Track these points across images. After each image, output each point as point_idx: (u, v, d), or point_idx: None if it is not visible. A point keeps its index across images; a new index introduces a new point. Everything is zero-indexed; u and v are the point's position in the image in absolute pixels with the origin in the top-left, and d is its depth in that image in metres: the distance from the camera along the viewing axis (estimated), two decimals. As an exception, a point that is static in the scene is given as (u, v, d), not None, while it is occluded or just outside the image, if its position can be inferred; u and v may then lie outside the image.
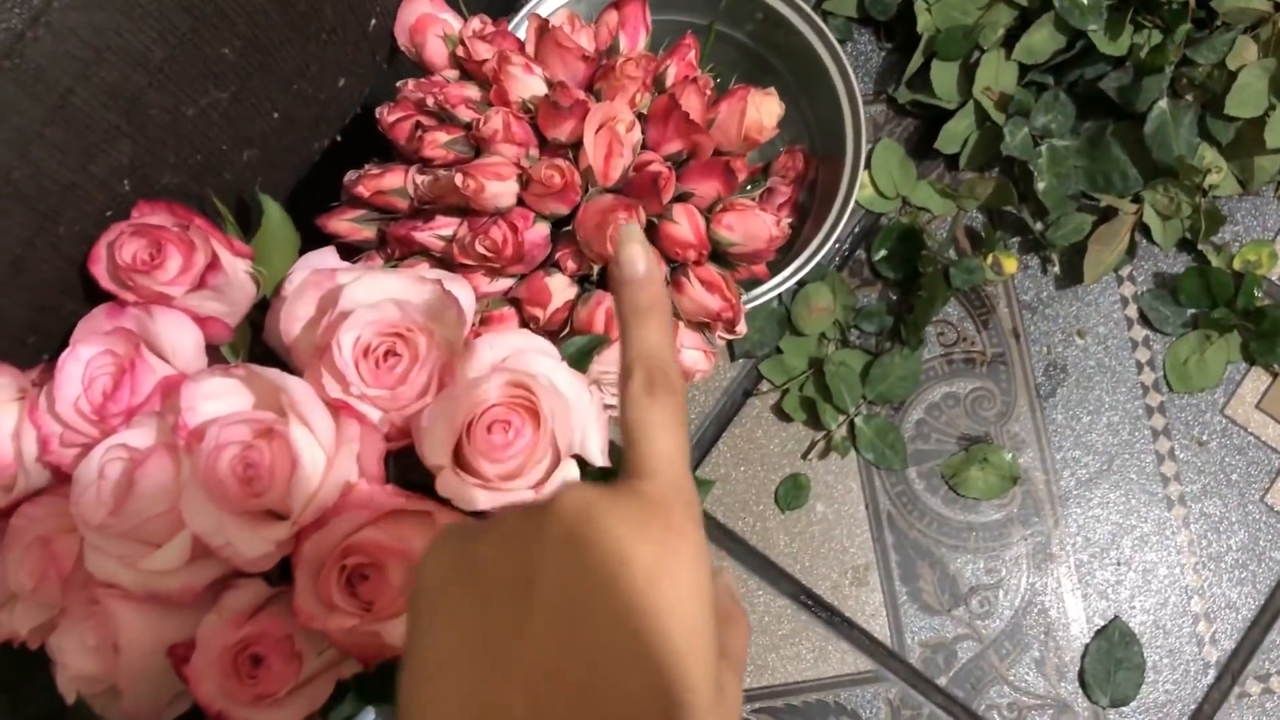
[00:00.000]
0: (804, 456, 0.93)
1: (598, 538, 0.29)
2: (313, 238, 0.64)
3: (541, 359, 0.48)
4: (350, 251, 0.65)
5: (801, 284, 0.92)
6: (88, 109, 0.47)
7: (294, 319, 0.49)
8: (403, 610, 0.44)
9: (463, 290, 0.51)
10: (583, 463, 0.49)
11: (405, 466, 0.48)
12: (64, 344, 0.51)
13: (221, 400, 0.46)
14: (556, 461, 0.47)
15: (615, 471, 0.51)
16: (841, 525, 0.92)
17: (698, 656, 0.29)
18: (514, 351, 0.48)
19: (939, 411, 0.93)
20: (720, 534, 0.91)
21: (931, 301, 0.90)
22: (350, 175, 0.65)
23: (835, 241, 0.83)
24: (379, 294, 0.47)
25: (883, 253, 0.94)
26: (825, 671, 0.90)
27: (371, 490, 0.45)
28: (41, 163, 0.47)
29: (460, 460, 0.47)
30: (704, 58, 0.86)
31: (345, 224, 0.63)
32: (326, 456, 0.45)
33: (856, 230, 0.96)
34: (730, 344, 0.94)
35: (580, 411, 0.48)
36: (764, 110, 0.61)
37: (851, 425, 0.92)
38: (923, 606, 0.90)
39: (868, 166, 0.95)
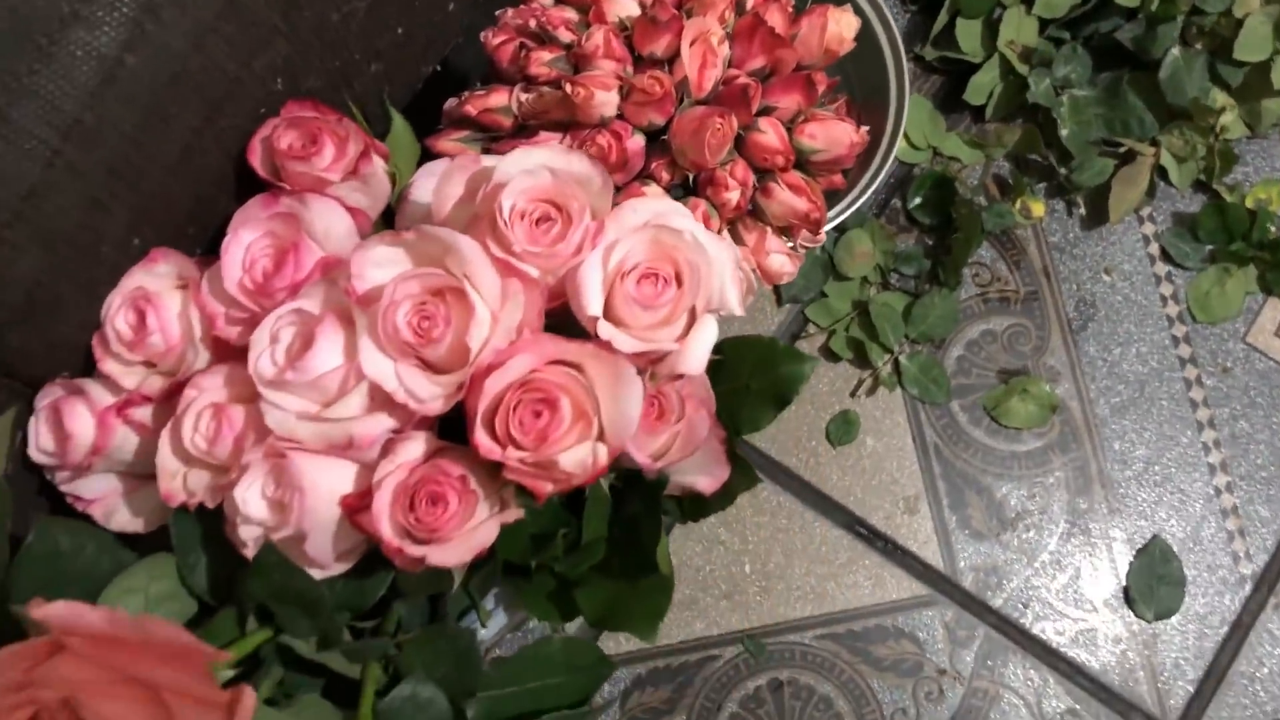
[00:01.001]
0: (852, 394, 0.97)
1: None
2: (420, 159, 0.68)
3: (682, 219, 0.52)
4: (454, 172, 0.69)
5: (842, 231, 0.97)
6: (254, 6, 0.51)
7: (445, 198, 0.53)
8: (573, 443, 0.47)
9: (595, 171, 0.55)
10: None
11: (558, 329, 0.52)
12: (217, 237, 0.55)
13: (388, 268, 0.50)
14: (695, 316, 0.51)
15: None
16: (891, 458, 0.96)
17: None
18: (655, 214, 0.52)
19: (978, 347, 0.98)
20: (775, 470, 0.95)
21: (968, 242, 0.95)
22: (451, 101, 0.69)
23: (874, 191, 0.88)
24: (532, 163, 0.51)
25: (918, 200, 0.99)
26: (882, 598, 0.94)
27: (540, 335, 0.49)
28: (214, 54, 0.50)
29: (610, 313, 0.51)
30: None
31: (452, 144, 0.67)
32: (492, 312, 0.49)
33: (891, 180, 1.01)
34: (777, 290, 0.98)
35: (720, 267, 0.52)
36: (843, 24, 0.66)
37: (896, 363, 0.96)
38: (972, 533, 0.94)
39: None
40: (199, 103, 0.51)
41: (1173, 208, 1.01)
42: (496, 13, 0.69)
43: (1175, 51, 0.96)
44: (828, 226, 0.87)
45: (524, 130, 0.67)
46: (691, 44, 0.64)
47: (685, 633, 0.93)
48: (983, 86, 0.99)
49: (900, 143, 1.00)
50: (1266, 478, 0.95)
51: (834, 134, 0.66)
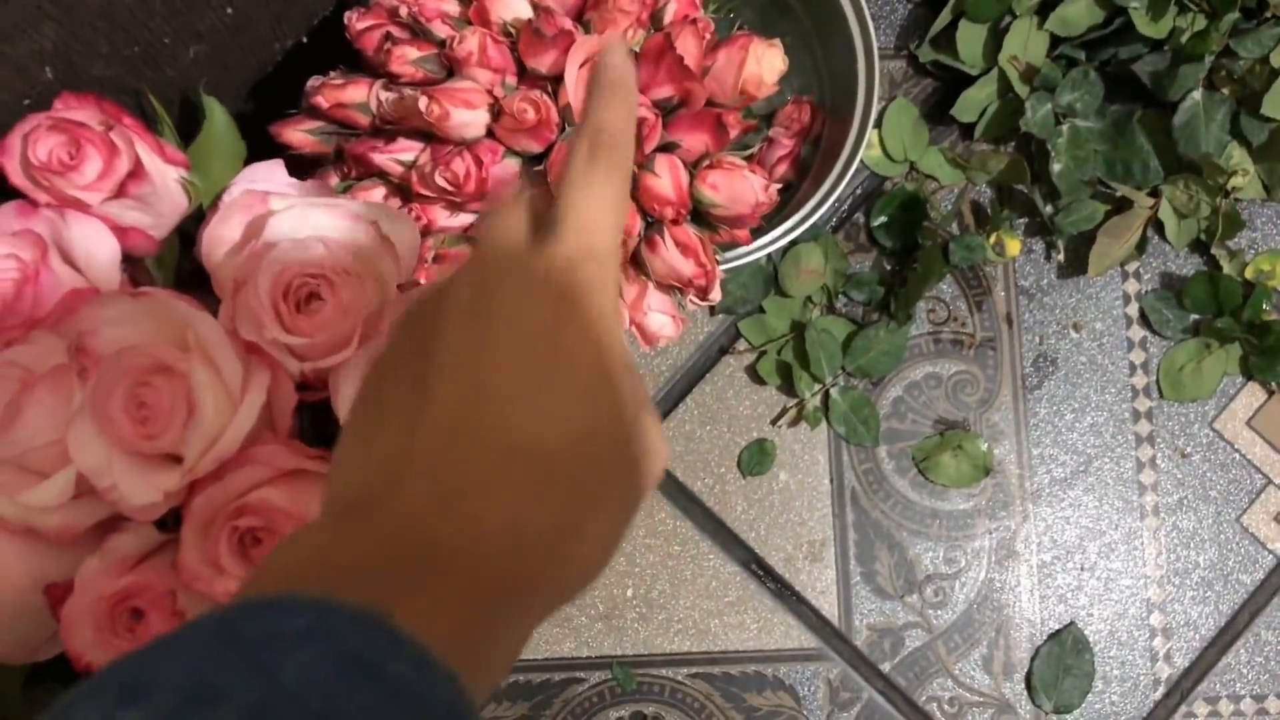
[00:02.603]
0: (773, 422, 0.89)
1: (495, 305, 0.31)
2: (268, 145, 0.59)
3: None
4: (305, 165, 0.60)
5: (793, 243, 0.87)
6: (6, -16, 0.42)
7: (218, 242, 0.45)
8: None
9: (405, 231, 0.47)
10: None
11: (321, 419, 0.44)
12: (-30, 239, 0.47)
13: (127, 326, 0.42)
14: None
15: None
16: (803, 497, 0.88)
17: (602, 400, 0.31)
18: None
19: (919, 391, 0.89)
20: (677, 492, 0.88)
21: (926, 277, 0.85)
22: (313, 81, 0.59)
23: (834, 202, 0.79)
24: (307, 229, 0.43)
25: (882, 219, 0.89)
26: (767, 644, 0.88)
27: (276, 445, 0.41)
28: (-52, 40, 0.42)
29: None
30: (718, -9, 0.81)
31: (300, 135, 0.58)
32: (231, 403, 0.41)
33: (858, 192, 0.91)
34: (711, 296, 0.90)
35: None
36: (765, 63, 0.56)
37: (826, 395, 0.88)
38: (875, 589, 0.87)
39: (878, 125, 0.90)
40: (-71, 96, 0.42)
41: (1163, 266, 0.90)
42: (373, -14, 0.59)
43: (1197, 95, 0.85)
44: (775, 244, 0.78)
45: (383, 132, 0.58)
46: (580, 66, 0.54)
47: (552, 650, 0.87)
48: (975, 103, 0.88)
49: (874, 151, 0.90)
50: (1202, 579, 0.88)
51: (738, 189, 0.57)
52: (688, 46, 0.56)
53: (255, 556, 0.41)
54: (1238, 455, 0.88)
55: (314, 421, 0.46)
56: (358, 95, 0.57)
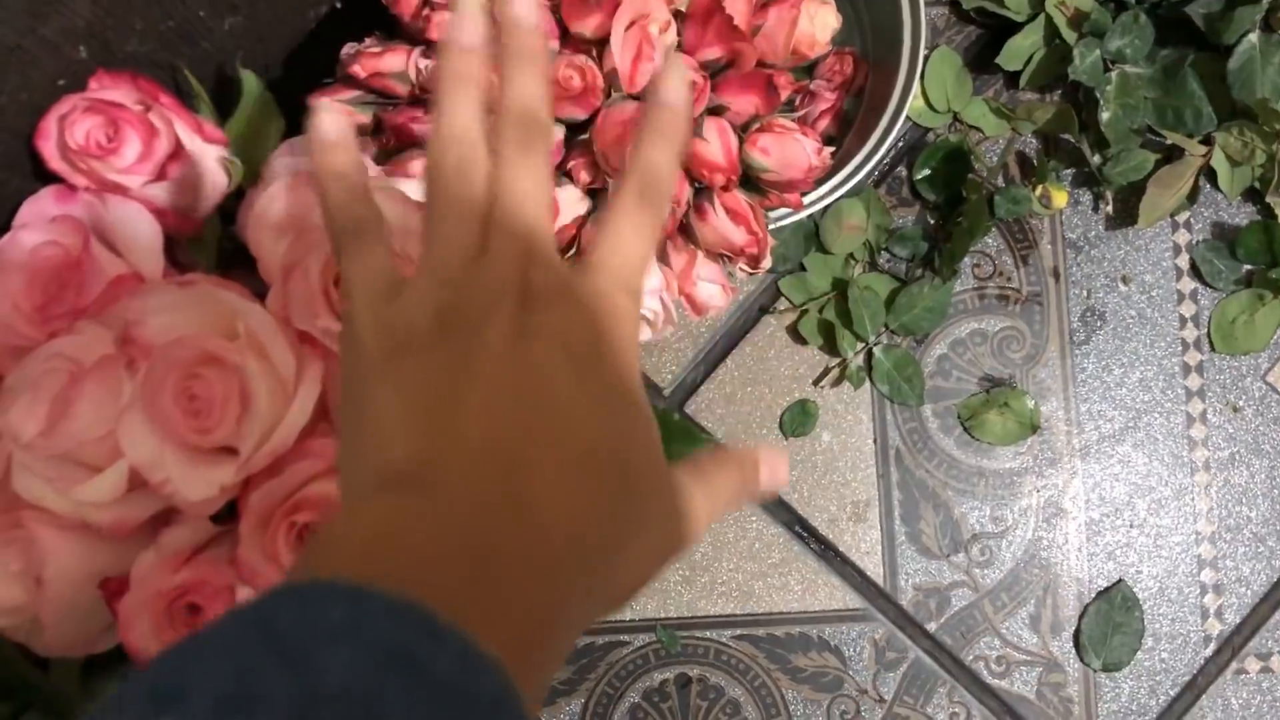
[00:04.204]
0: (815, 383, 0.87)
1: (540, 316, 0.32)
2: (303, 114, 0.57)
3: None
4: (343, 135, 0.59)
5: (834, 198, 0.85)
6: (37, -38, 0.41)
7: (263, 225, 0.43)
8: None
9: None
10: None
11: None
12: (8, 225, 0.46)
13: (175, 315, 0.41)
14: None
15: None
16: (846, 457, 0.87)
17: (631, 421, 0.32)
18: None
19: (964, 348, 0.87)
20: (719, 454, 0.87)
21: (971, 233, 0.83)
22: (348, 48, 0.58)
23: (878, 161, 0.76)
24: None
25: (925, 172, 0.87)
26: (812, 605, 0.87)
27: (332, 438, 0.40)
28: (-20, 22, 0.40)
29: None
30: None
31: (338, 105, 0.57)
32: (285, 394, 0.40)
33: (900, 144, 0.88)
34: (750, 255, 0.88)
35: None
36: (818, 22, 0.54)
37: (869, 354, 0.86)
38: (921, 549, 0.87)
39: (920, 76, 0.87)
40: (-37, 80, 0.41)
41: (1214, 216, 0.88)
42: (409, -50, 0.57)
43: (1253, 38, 0.81)
44: (821, 203, 0.76)
45: (422, 101, 0.56)
46: (627, 29, 0.52)
47: (596, 615, 0.86)
48: (1020, 50, 0.86)
49: (917, 102, 0.88)
50: (1255, 534, 0.86)
51: (790, 153, 0.55)
52: (737, 6, 0.53)
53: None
54: (1291, 409, 0.87)
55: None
56: (395, 64, 0.55)
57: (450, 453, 0.29)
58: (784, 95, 0.55)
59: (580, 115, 0.54)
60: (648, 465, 0.32)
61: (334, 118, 0.36)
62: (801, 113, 0.57)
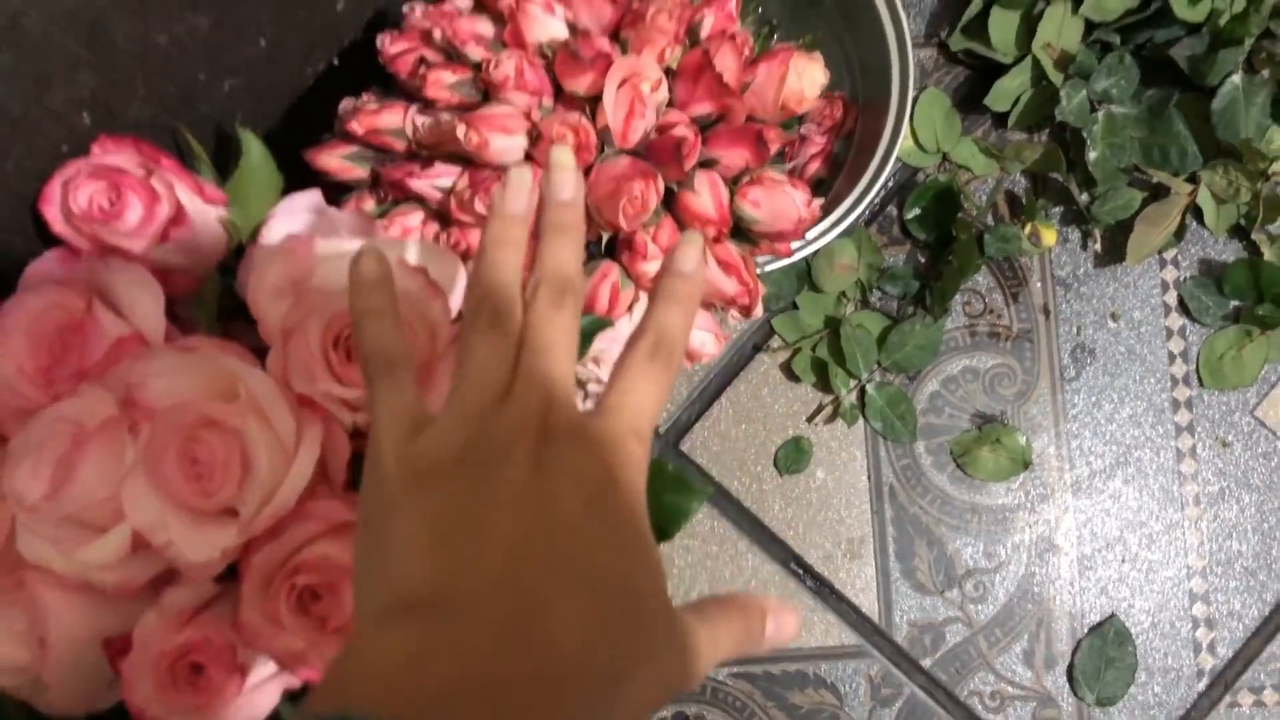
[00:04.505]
0: (809, 420, 0.88)
1: (556, 457, 0.34)
2: (301, 168, 0.58)
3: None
4: (340, 188, 0.60)
5: (826, 238, 0.86)
6: (42, 33, 0.42)
7: (263, 288, 0.44)
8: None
9: (451, 271, 0.46)
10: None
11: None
12: (13, 288, 0.46)
13: (177, 377, 0.42)
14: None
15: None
16: (841, 494, 0.88)
17: (639, 554, 0.34)
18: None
19: (956, 385, 0.88)
20: (715, 492, 0.88)
21: (962, 271, 0.84)
22: (346, 104, 0.59)
23: (869, 203, 0.77)
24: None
25: (916, 211, 0.88)
26: (808, 642, 0.88)
27: (332, 500, 0.41)
28: (-13, 93, 0.41)
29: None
30: (746, -15, 0.80)
31: (335, 160, 0.58)
32: (286, 456, 0.41)
33: (890, 184, 0.90)
34: (744, 294, 0.89)
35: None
36: (806, 78, 0.55)
37: (862, 392, 0.87)
38: (915, 585, 0.87)
39: (909, 116, 0.88)
40: (-33, 148, 0.42)
41: (1201, 253, 0.89)
42: (405, 6, 0.58)
43: (1236, 79, 0.83)
44: (813, 246, 0.77)
45: (419, 156, 0.57)
46: (619, 87, 0.53)
47: (592, 653, 0.87)
48: (1008, 92, 0.87)
49: (907, 142, 0.89)
50: (1246, 568, 0.87)
51: (780, 205, 0.56)
52: (726, 63, 0.55)
53: (315, 612, 0.40)
54: (1280, 443, 0.88)
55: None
56: (393, 120, 0.56)
57: (469, 581, 0.31)
58: (773, 149, 0.56)
59: (574, 170, 0.55)
60: (655, 599, 0.33)
61: (375, 260, 0.39)
62: (790, 165, 0.58)
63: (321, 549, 0.40)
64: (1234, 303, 0.88)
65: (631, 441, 0.36)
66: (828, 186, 0.83)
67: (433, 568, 0.31)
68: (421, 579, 0.31)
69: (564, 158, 0.41)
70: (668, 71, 0.56)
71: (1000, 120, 0.89)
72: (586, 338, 0.53)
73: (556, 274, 0.38)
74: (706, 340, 0.60)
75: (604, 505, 0.34)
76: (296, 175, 0.56)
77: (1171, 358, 0.88)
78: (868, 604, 0.87)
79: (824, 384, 0.88)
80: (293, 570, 0.40)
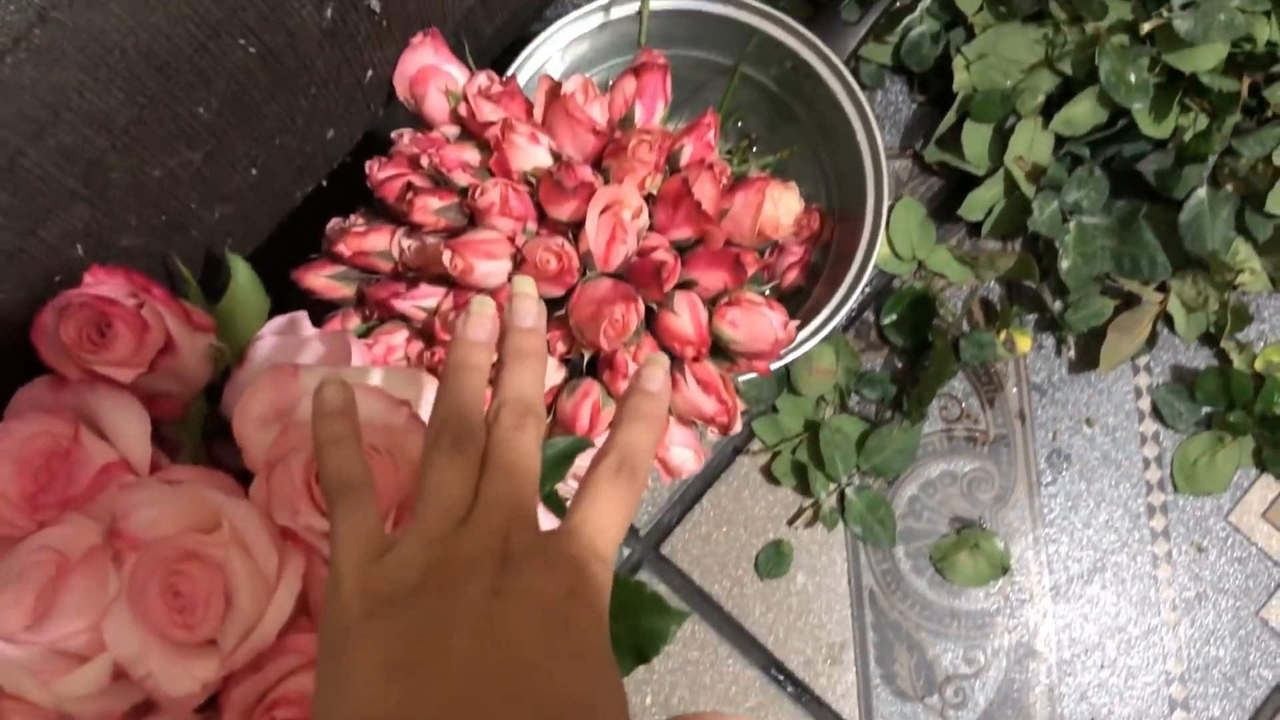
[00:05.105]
0: (790, 523, 0.89)
1: (515, 576, 0.34)
2: (288, 285, 0.59)
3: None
4: (327, 306, 0.61)
5: (804, 343, 0.88)
6: (40, 172, 0.43)
7: (248, 419, 0.45)
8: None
9: (417, 390, 0.47)
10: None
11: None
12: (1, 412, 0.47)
13: (161, 508, 0.42)
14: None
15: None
16: (821, 599, 0.88)
17: (600, 677, 0.34)
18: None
19: (934, 489, 0.89)
20: (695, 596, 0.88)
21: (938, 377, 0.86)
22: (333, 224, 0.60)
23: (847, 311, 0.79)
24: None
25: (892, 317, 0.90)
26: (789, 748, 0.87)
27: (311, 633, 0.41)
28: (-17, 228, 0.42)
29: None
30: (726, 100, 0.82)
31: (322, 280, 0.59)
32: (267, 589, 0.41)
33: (867, 290, 0.91)
34: (724, 398, 0.90)
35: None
36: (782, 206, 0.57)
37: (842, 495, 0.88)
38: (896, 691, 0.87)
39: (885, 226, 0.90)
40: (-39, 280, 0.43)
41: (1173, 359, 0.91)
42: (393, 134, 0.59)
43: (1201, 193, 0.85)
44: (793, 355, 0.79)
45: (404, 277, 0.58)
46: (601, 214, 0.55)
47: (572, 759, 0.86)
48: (982, 202, 0.89)
49: (883, 250, 0.91)
50: (1224, 674, 0.87)
51: (757, 326, 0.58)
52: (705, 191, 0.56)
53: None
54: (1255, 549, 0.88)
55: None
56: (379, 243, 0.58)
57: (426, 712, 0.31)
58: (750, 271, 0.57)
59: (557, 292, 0.56)
60: (618, 710, 0.34)
61: (337, 389, 0.40)
62: (767, 287, 0.59)
63: (300, 682, 0.40)
64: (1206, 409, 0.89)
65: (593, 562, 0.36)
66: (806, 294, 0.84)
67: (390, 700, 0.31)
68: (380, 711, 0.31)
69: (525, 286, 0.42)
70: (648, 198, 0.58)
71: (974, 229, 0.91)
72: (567, 457, 0.54)
73: (518, 398, 0.39)
74: (686, 457, 0.61)
75: (565, 628, 0.34)
76: (282, 289, 0.57)
77: (1146, 463, 0.90)
78: (849, 710, 0.87)
79: (804, 487, 0.88)
80: (272, 704, 0.40)
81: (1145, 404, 0.90)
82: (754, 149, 0.84)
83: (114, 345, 0.45)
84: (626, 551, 0.88)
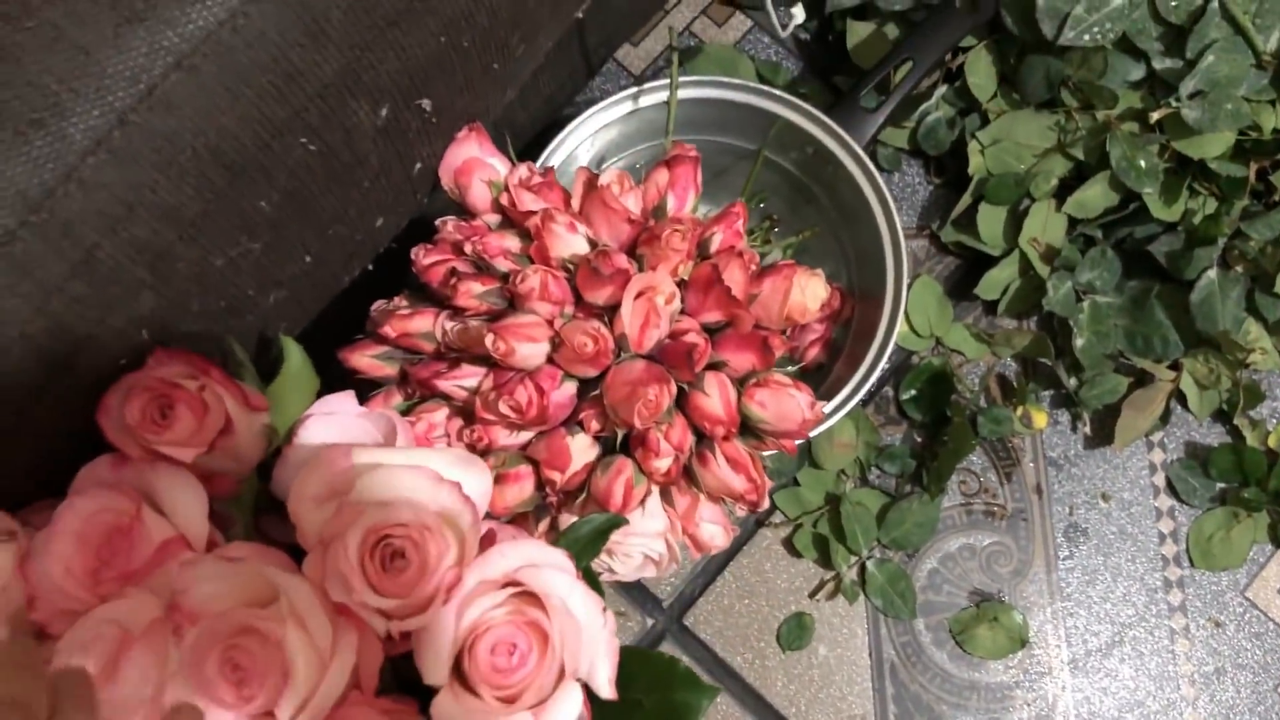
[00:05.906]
0: (811, 595, 0.90)
1: None
2: (330, 361, 0.62)
3: (556, 576, 0.46)
4: (370, 384, 0.63)
5: (825, 417, 0.90)
6: (113, 264, 0.45)
7: (303, 499, 0.47)
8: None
9: (480, 479, 0.49)
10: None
11: (404, 669, 0.46)
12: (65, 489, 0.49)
13: (220, 583, 0.44)
14: (559, 682, 0.45)
15: (621, 708, 0.48)
16: (843, 671, 0.89)
17: None
18: (526, 563, 0.46)
19: (954, 563, 0.91)
20: (717, 668, 0.89)
21: (957, 453, 0.87)
22: (379, 306, 0.63)
23: (868, 389, 0.81)
24: (393, 491, 0.45)
25: (911, 393, 0.92)
26: (811, 821, 0.87)
27: (363, 706, 0.43)
28: (59, 316, 0.45)
29: (459, 672, 0.45)
30: (749, 184, 0.85)
31: (366, 360, 0.61)
32: (322, 663, 0.43)
33: (886, 366, 0.93)
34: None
35: (591, 636, 0.46)
36: (809, 293, 0.59)
37: (863, 568, 0.89)
38: (917, 764, 0.88)
39: (904, 304, 0.93)
40: (38, 367, 0.45)
41: (1187, 435, 0.93)
42: (436, 221, 0.62)
43: (1212, 274, 0.88)
44: (816, 431, 0.80)
45: (446, 357, 0.61)
46: (635, 298, 0.57)
47: (595, 831, 0.87)
48: (997, 282, 0.92)
49: (901, 327, 0.93)
50: (1245, 750, 0.88)
51: (785, 407, 0.60)
52: (734, 277, 0.59)
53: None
54: (1272, 624, 0.89)
55: (395, 672, 0.48)
56: (423, 325, 0.60)
57: None
58: (778, 354, 0.60)
59: (593, 373, 0.59)
60: None
61: None
62: (794, 369, 0.62)
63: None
64: (1220, 485, 0.91)
65: None
66: (827, 371, 0.86)
67: None
68: None
69: None
70: (680, 283, 0.60)
71: (990, 307, 0.94)
72: (602, 534, 0.56)
73: None
74: (715, 533, 0.63)
75: None
76: (323, 365, 0.59)
77: (1162, 538, 0.91)
78: (870, 782, 0.88)
79: (825, 560, 0.90)
80: (326, 777, 0.41)
81: (1160, 479, 0.92)
82: (775, 229, 0.86)
83: (176, 426, 0.48)
84: (650, 623, 0.89)
